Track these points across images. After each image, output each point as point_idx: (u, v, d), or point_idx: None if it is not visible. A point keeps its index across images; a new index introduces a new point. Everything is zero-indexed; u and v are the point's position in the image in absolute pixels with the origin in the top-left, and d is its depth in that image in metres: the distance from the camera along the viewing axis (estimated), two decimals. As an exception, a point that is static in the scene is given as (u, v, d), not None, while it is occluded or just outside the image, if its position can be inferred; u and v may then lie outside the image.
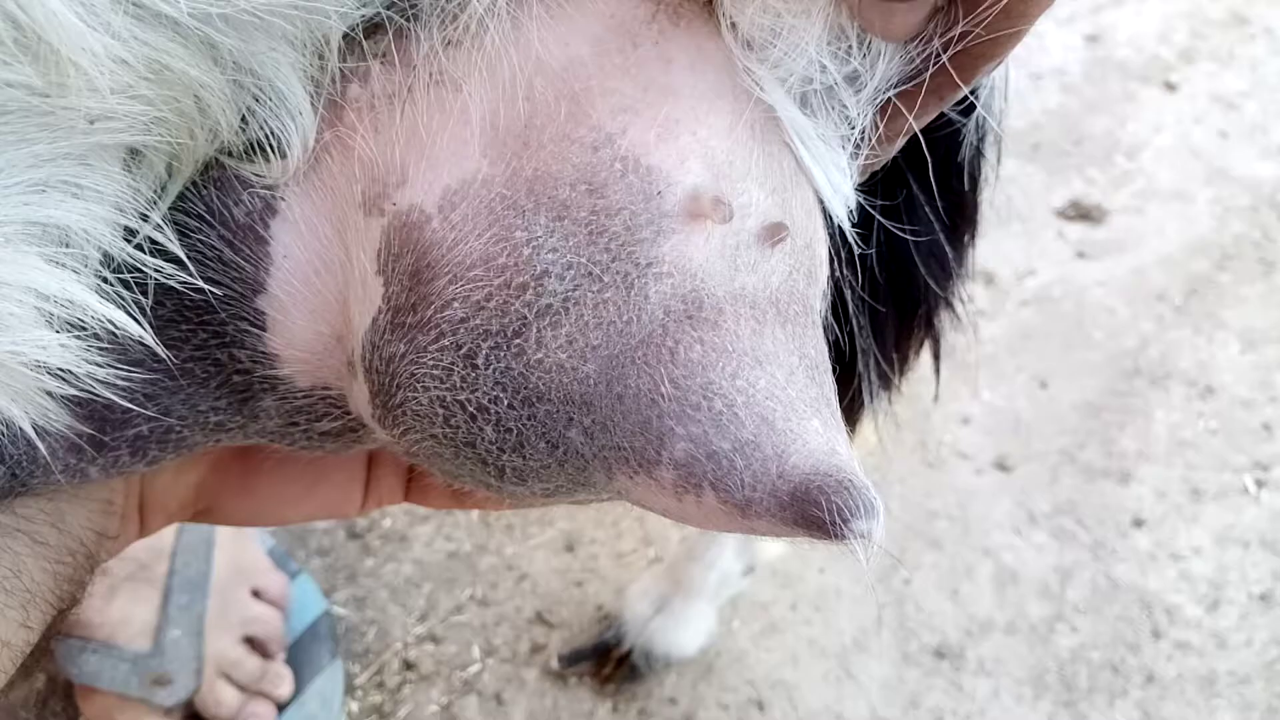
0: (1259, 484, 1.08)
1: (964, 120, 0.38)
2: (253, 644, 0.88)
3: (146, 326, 0.27)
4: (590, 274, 0.27)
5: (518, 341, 0.27)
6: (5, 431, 0.28)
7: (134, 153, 0.26)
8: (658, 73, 0.28)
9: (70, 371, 0.27)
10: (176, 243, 0.28)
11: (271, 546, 0.97)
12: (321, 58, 0.27)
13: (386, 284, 0.28)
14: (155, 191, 0.27)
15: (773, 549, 0.89)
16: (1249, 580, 1.00)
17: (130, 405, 0.29)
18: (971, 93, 0.34)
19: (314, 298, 0.29)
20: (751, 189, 0.28)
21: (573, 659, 0.91)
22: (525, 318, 0.27)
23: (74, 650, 0.83)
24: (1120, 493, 1.07)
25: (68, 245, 0.26)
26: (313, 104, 0.27)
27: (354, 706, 0.91)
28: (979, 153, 0.40)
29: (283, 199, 0.28)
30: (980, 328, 1.20)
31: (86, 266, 0.27)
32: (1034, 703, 0.92)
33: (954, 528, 1.04)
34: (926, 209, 0.39)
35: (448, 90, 0.27)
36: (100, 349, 0.27)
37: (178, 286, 0.28)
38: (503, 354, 0.27)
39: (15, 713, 0.92)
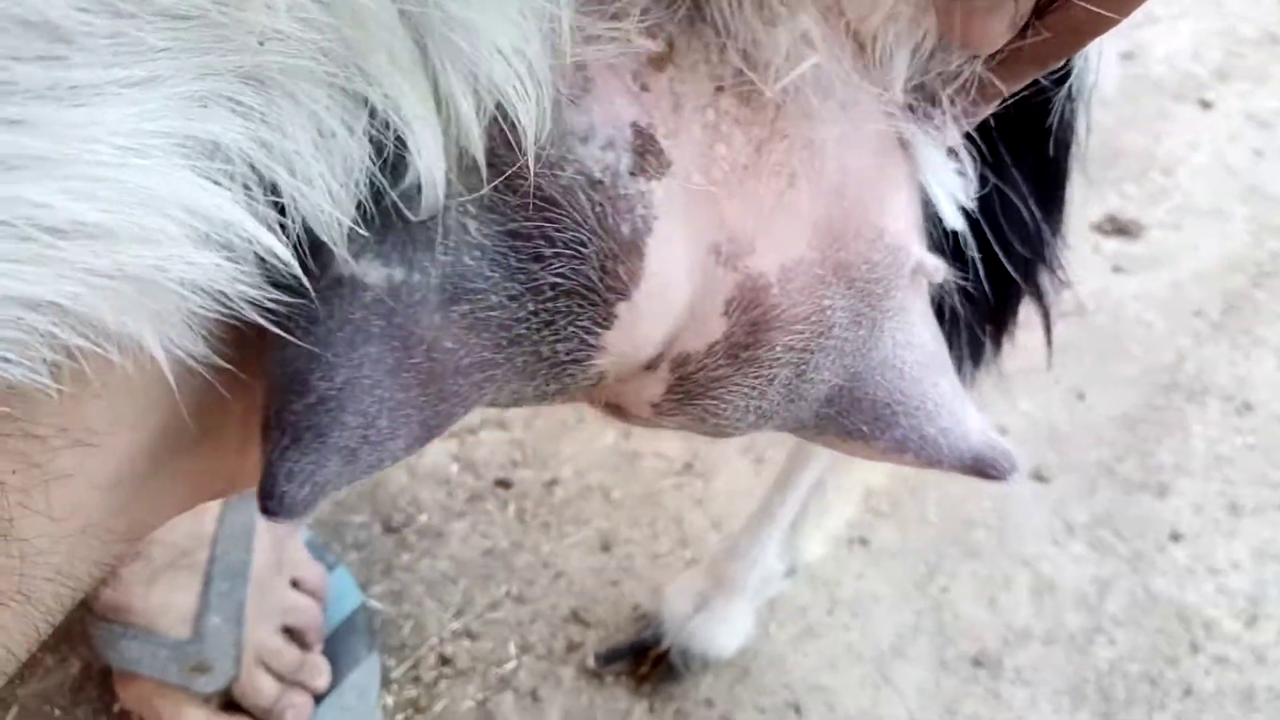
0: (1298, 501, 1.07)
1: (1056, 89, 0.40)
2: (291, 634, 0.88)
3: (287, 246, 0.27)
4: (856, 320, 0.36)
5: (804, 368, 0.37)
6: None
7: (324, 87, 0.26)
8: (897, 173, 0.36)
9: (223, 293, 0.27)
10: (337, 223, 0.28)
11: (309, 538, 0.97)
12: None
13: (730, 325, 0.35)
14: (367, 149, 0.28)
15: (814, 551, 0.89)
16: (1288, 596, 1.00)
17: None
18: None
19: (662, 313, 0.34)
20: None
21: (610, 658, 0.91)
22: (814, 352, 0.36)
23: (114, 636, 0.83)
24: (1158, 506, 1.07)
25: (229, 164, 0.26)
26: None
27: (389, 700, 0.91)
28: (1071, 117, 0.42)
29: (657, 217, 0.32)
30: (1017, 338, 1.20)
31: (250, 191, 0.27)
32: (1072, 713, 0.91)
33: (991, 537, 1.03)
34: (1016, 172, 0.41)
35: (784, 181, 0.33)
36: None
37: (556, 278, 0.31)
38: (794, 377, 0.37)
39: (50, 698, 0.92)
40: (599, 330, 0.33)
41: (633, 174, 0.31)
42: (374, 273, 0.29)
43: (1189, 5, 1.69)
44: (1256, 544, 1.04)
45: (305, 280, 0.28)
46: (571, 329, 0.32)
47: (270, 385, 0.29)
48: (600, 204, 0.31)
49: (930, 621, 0.97)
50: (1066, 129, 0.42)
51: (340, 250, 0.29)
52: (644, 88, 0.31)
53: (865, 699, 0.92)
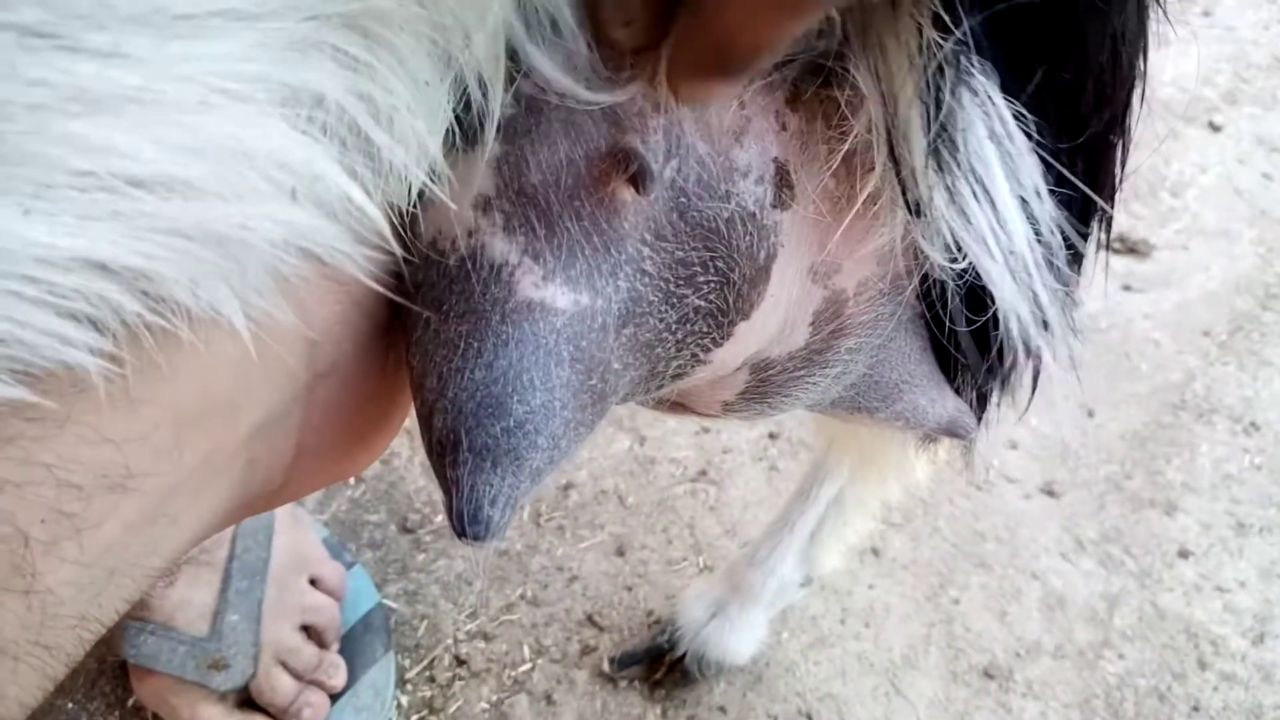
0: (1304, 521, 1.08)
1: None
2: (309, 632, 0.88)
3: (377, 212, 0.27)
4: (892, 316, 0.40)
5: (852, 363, 0.41)
6: None
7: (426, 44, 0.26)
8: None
9: (314, 253, 0.25)
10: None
11: (325, 536, 0.98)
12: None
13: (813, 334, 0.38)
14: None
15: (831, 564, 0.90)
16: (1295, 616, 1.01)
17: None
18: None
19: (765, 328, 0.37)
20: None
21: (625, 662, 0.91)
22: (862, 350, 0.40)
23: (132, 631, 0.84)
24: (1166, 523, 1.08)
25: (326, 115, 0.25)
26: None
27: (404, 700, 0.91)
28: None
29: (783, 245, 0.34)
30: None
31: (345, 147, 0.25)
32: (1081, 727, 0.92)
33: (1002, 550, 1.04)
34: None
35: (871, 212, 0.35)
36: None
37: (701, 302, 0.33)
38: (842, 371, 0.41)
39: (64, 691, 0.92)
40: (713, 348, 0.35)
41: (773, 205, 0.33)
42: (563, 298, 0.30)
43: (1199, 29, 1.71)
44: (1263, 563, 1.05)
45: (395, 244, 0.28)
46: (695, 347, 0.34)
47: (454, 409, 0.29)
48: (751, 233, 0.33)
49: (941, 633, 0.98)
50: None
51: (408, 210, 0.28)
52: (783, 126, 0.33)
53: (877, 709, 0.92)
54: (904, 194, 0.33)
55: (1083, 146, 0.40)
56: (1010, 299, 0.37)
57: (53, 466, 0.25)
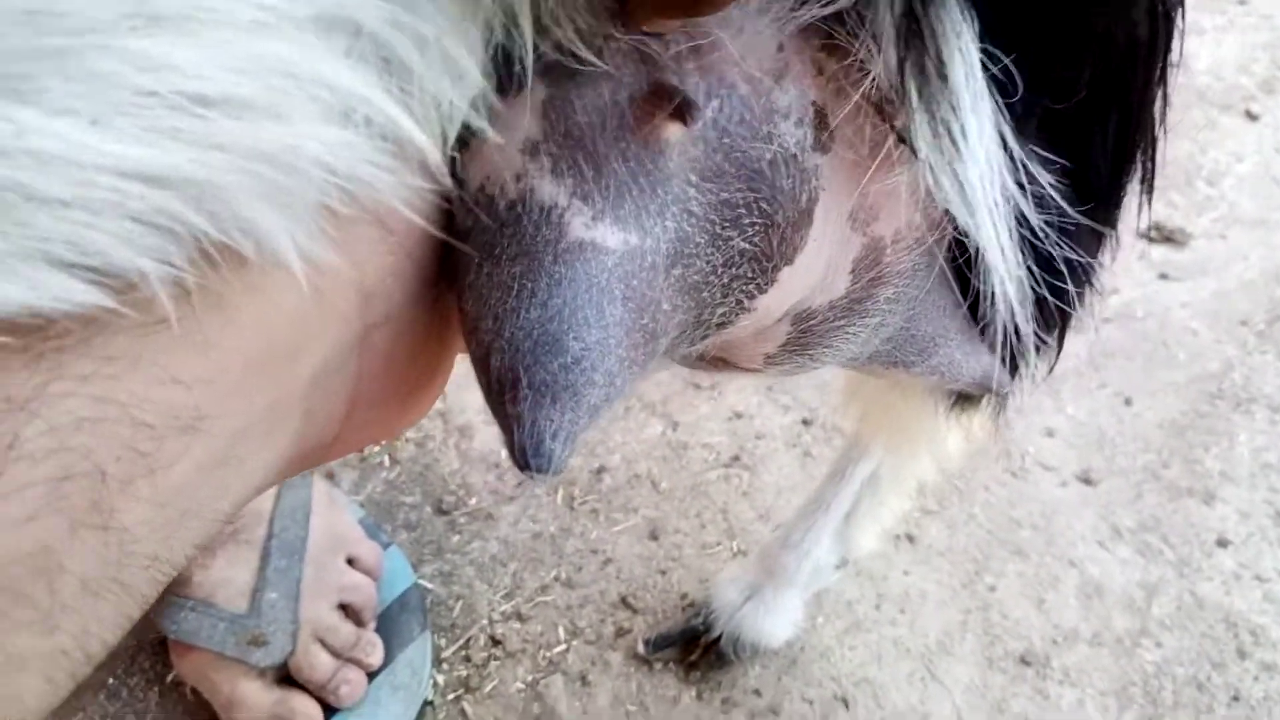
0: (1345, 511, 1.07)
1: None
2: (346, 611, 0.89)
3: (423, 136, 0.27)
4: (928, 268, 0.41)
5: (889, 314, 0.41)
6: None
7: None
8: None
9: (361, 179, 0.26)
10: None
11: (362, 517, 0.98)
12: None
13: (853, 281, 0.39)
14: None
15: (866, 545, 0.89)
16: (1336, 606, 0.99)
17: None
18: None
19: (808, 275, 0.37)
20: None
21: (659, 644, 0.91)
22: (900, 300, 0.41)
23: (173, 607, 0.84)
24: (1204, 512, 1.07)
25: (363, 43, 0.25)
26: None
27: (440, 679, 0.91)
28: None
29: (824, 189, 0.34)
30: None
31: (384, 73, 0.26)
32: (1119, 715, 0.91)
33: (1038, 538, 1.03)
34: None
35: (908, 157, 0.35)
36: None
37: (746, 244, 0.33)
38: (879, 323, 0.41)
39: (103, 667, 0.93)
40: (757, 295, 0.35)
41: (813, 148, 0.33)
42: (613, 237, 0.30)
43: (1235, 17, 1.69)
44: (1303, 553, 1.04)
45: (444, 175, 0.28)
46: (739, 293, 0.34)
47: (512, 348, 0.30)
48: (792, 175, 0.33)
49: (977, 619, 0.97)
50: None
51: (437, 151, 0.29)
52: (819, 70, 0.33)
53: (913, 695, 0.92)
54: (903, 139, 0.34)
55: (1117, 109, 0.41)
56: (989, 245, 0.37)
57: (127, 405, 0.26)
